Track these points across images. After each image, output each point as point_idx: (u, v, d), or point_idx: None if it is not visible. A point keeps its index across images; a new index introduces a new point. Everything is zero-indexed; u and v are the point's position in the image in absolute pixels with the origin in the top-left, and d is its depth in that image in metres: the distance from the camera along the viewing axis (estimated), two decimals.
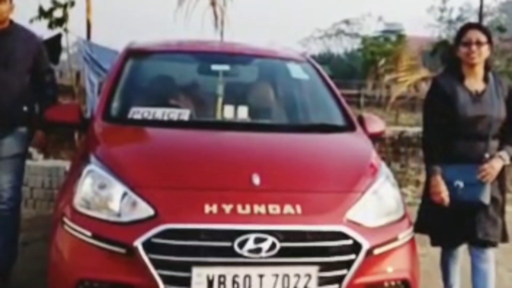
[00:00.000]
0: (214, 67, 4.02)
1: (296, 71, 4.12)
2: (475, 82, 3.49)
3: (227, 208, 2.65)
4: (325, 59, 51.12)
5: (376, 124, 3.84)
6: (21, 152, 4.00)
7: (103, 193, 2.77)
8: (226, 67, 4.00)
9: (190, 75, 4.33)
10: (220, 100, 3.80)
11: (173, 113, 3.51)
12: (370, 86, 23.54)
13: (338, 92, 3.97)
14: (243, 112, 3.71)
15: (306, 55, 4.55)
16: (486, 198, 3.38)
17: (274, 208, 2.68)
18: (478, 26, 3.63)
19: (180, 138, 3.33)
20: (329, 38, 55.86)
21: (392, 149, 8.59)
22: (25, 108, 3.94)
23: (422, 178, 7.89)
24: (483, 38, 3.43)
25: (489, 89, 3.48)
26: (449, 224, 3.48)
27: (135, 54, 4.07)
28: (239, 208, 2.66)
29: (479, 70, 3.50)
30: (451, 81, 3.49)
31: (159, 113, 3.48)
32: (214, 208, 2.64)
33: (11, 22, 3.91)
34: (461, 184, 3.37)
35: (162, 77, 4.16)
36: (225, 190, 2.76)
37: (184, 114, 3.54)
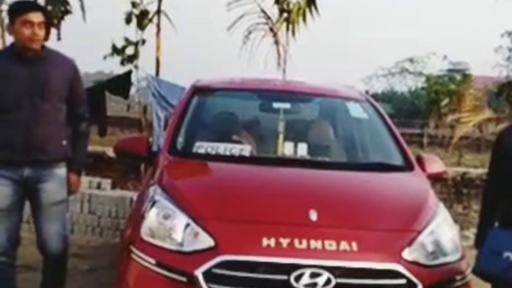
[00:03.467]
0: (276, 105, 4.15)
1: (356, 110, 4.19)
2: None
3: (284, 242, 2.73)
4: (388, 97, 50.66)
5: (436, 164, 3.84)
6: (64, 198, 3.69)
7: (167, 223, 2.91)
8: (287, 105, 4.13)
9: (252, 112, 4.47)
10: (280, 137, 3.91)
11: (235, 149, 3.65)
12: (432, 125, 23.18)
13: (397, 131, 4.01)
14: (302, 149, 3.81)
15: (365, 95, 4.62)
16: None
17: (330, 244, 2.74)
18: None
19: (241, 172, 3.46)
20: (392, 76, 55.41)
21: (455, 190, 8.44)
22: (64, 142, 3.63)
23: None
24: None
25: None
26: None
27: (200, 91, 4.26)
28: (296, 242, 2.73)
29: None
30: None
31: (222, 148, 3.63)
32: (272, 242, 2.72)
33: (43, 47, 3.56)
34: (511, 256, 2.65)
35: (226, 114, 4.33)
36: (283, 224, 2.85)
37: (246, 150, 3.68)
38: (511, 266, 2.62)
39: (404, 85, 53.97)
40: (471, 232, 7.43)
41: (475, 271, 2.81)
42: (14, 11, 3.48)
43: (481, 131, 13.03)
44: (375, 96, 48.10)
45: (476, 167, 11.49)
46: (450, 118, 13.75)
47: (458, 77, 30.16)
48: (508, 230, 2.73)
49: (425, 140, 24.87)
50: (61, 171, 3.63)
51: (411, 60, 51.65)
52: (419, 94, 42.97)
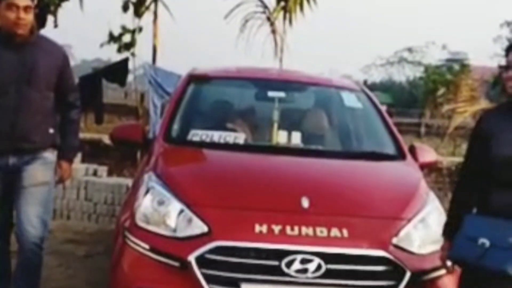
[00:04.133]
0: (271, 93, 4.18)
1: (350, 99, 4.23)
2: None
3: (276, 228, 2.78)
4: (386, 87, 50.71)
5: (427, 154, 3.90)
6: (47, 180, 3.47)
7: (161, 209, 2.96)
8: (282, 94, 4.16)
9: (247, 100, 4.51)
10: (275, 125, 3.95)
11: (229, 137, 3.69)
12: (428, 115, 23.25)
13: (390, 121, 4.06)
14: (296, 138, 3.85)
15: (360, 84, 4.66)
16: None
17: (321, 231, 2.80)
18: None
19: (234, 160, 3.50)
20: (391, 65, 55.47)
21: (449, 179, 8.51)
22: (51, 131, 3.47)
23: None
24: None
25: None
26: None
27: (196, 79, 4.29)
28: (288, 229, 2.78)
29: None
30: (499, 115, 2.72)
31: (216, 136, 3.67)
32: (264, 228, 2.78)
33: (32, 32, 3.39)
34: (486, 243, 2.50)
35: (221, 102, 4.37)
36: (275, 211, 2.90)
37: (240, 137, 3.72)
38: (486, 252, 2.48)
39: (402, 74, 54.07)
40: None
41: (450, 258, 2.69)
42: None
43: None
44: (373, 86, 48.09)
45: None
46: (445, 108, 13.79)
47: (457, 67, 30.16)
48: (484, 216, 2.61)
49: (422, 129, 24.94)
50: (46, 154, 3.46)
51: (409, 50, 51.70)
52: (417, 84, 43.00)
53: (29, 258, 3.42)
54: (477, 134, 2.77)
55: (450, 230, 2.73)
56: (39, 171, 3.42)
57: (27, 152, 3.38)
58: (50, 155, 3.49)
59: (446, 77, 23.47)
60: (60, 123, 3.57)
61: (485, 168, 2.63)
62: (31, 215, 3.37)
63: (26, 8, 3.28)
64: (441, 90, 16.45)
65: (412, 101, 39.67)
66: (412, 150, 3.86)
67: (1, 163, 3.36)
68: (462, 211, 2.70)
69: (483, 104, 12.03)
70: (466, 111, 11.84)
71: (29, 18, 3.30)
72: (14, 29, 3.29)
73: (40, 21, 8.62)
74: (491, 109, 2.93)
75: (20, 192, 3.40)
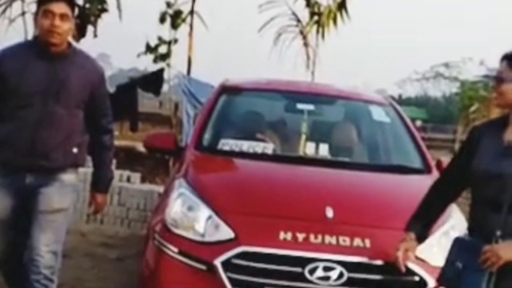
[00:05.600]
0: (300, 106, 4.28)
1: (378, 113, 4.29)
2: None
3: (300, 236, 2.87)
4: (422, 102, 50.21)
5: None
6: (63, 207, 3.15)
7: (190, 215, 3.08)
8: (311, 107, 4.26)
9: (277, 112, 4.61)
10: (303, 137, 4.04)
11: (258, 147, 3.80)
12: (460, 131, 22.97)
13: (418, 135, 4.11)
14: (324, 150, 3.94)
15: (389, 99, 4.71)
16: None
17: (344, 240, 2.88)
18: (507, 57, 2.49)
19: (262, 169, 3.61)
20: (427, 80, 54.89)
21: None
22: (74, 150, 3.16)
23: None
24: (505, 73, 2.45)
25: None
26: None
27: (228, 90, 4.42)
28: (312, 237, 2.87)
29: None
30: (489, 128, 2.61)
31: (246, 145, 3.78)
32: (289, 236, 2.87)
33: (69, 44, 3.18)
34: (459, 265, 2.47)
35: (251, 113, 4.47)
36: (299, 219, 2.99)
37: (268, 148, 3.83)
38: (460, 275, 2.46)
39: (438, 90, 53.42)
40: None
41: (439, 283, 2.66)
42: (39, 0, 3.18)
43: None
44: (408, 101, 47.60)
45: None
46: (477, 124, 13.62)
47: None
48: (467, 238, 2.55)
49: (456, 145, 24.66)
50: (65, 176, 3.16)
51: (446, 65, 51.08)
52: (453, 100, 42.44)
53: None
54: (464, 145, 2.70)
55: (412, 227, 2.75)
56: (56, 196, 3.12)
57: (45, 172, 3.10)
58: (71, 177, 3.20)
59: (481, 93, 23.18)
60: (93, 149, 3.33)
61: (466, 181, 2.61)
62: (42, 243, 3.07)
63: (62, 16, 3.03)
64: (474, 106, 16.22)
65: (447, 117, 39.21)
66: (439, 164, 3.90)
67: (17, 182, 3.09)
68: (426, 212, 2.78)
69: None
70: None
71: (64, 27, 3.05)
72: (48, 37, 3.04)
73: (81, 31, 8.94)
74: (485, 122, 2.85)
75: (34, 216, 3.10)
